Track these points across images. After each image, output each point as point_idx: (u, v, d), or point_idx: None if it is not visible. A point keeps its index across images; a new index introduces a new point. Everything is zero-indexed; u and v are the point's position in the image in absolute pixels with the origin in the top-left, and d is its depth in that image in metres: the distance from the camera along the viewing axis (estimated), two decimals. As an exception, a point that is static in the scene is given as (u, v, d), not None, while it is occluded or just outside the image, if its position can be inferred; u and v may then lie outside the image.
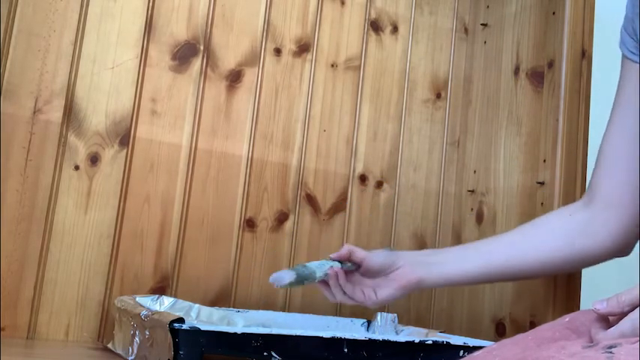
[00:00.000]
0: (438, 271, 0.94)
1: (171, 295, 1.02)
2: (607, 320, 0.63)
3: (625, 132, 0.90)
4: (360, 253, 0.92)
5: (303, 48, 1.19)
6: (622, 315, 0.61)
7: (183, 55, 1.09)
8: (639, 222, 0.91)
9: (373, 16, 1.26)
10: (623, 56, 0.90)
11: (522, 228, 0.97)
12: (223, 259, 1.10)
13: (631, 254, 0.94)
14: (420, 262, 0.94)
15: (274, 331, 0.80)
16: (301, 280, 0.89)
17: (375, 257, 0.93)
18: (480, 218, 1.21)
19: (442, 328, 1.21)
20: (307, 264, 0.91)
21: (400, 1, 1.29)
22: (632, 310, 0.61)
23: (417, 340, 0.86)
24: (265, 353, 0.77)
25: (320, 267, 0.90)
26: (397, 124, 1.26)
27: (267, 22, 1.17)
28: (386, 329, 1.09)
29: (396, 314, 1.10)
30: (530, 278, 1.02)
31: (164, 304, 0.96)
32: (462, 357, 0.86)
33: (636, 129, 0.89)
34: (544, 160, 1.07)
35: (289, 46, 1.18)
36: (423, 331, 1.04)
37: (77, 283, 0.99)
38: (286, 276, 0.89)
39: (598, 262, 0.95)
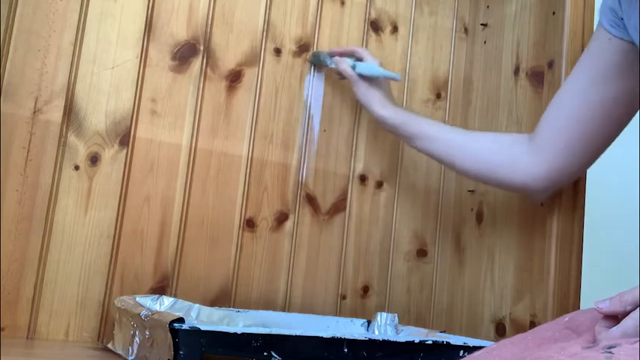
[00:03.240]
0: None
1: (171, 295, 1.02)
2: (613, 319, 0.63)
3: (575, 90, 0.95)
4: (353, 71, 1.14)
5: (303, 48, 1.19)
6: (625, 314, 0.61)
7: (183, 55, 1.10)
8: (561, 179, 0.98)
9: (373, 16, 1.26)
10: (600, 22, 0.93)
11: (471, 136, 1.09)
12: (223, 259, 1.10)
13: (632, 254, 0.94)
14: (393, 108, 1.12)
15: (274, 331, 0.80)
16: (315, 61, 1.19)
17: (362, 87, 1.12)
18: (479, 218, 1.21)
19: (442, 328, 1.21)
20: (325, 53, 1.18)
21: (400, 1, 1.29)
22: (635, 309, 0.61)
23: (417, 340, 0.86)
24: (265, 353, 0.77)
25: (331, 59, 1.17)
26: (397, 124, 1.26)
27: (267, 22, 1.17)
28: (386, 329, 1.09)
29: (396, 314, 1.10)
30: (460, 173, 1.13)
31: (164, 304, 0.96)
32: (461, 357, 0.86)
33: (585, 92, 0.93)
34: (544, 160, 1.07)
35: (289, 46, 1.18)
36: (423, 331, 1.05)
37: (77, 283, 0.99)
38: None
39: (510, 190, 1.09)
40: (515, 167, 1.00)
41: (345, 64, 1.14)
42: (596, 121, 0.93)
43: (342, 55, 1.16)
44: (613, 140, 0.97)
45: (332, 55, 1.17)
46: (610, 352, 0.51)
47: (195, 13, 1.11)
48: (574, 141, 0.95)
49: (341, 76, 1.18)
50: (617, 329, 0.60)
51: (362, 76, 1.13)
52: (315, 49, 1.20)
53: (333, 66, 1.16)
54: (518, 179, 1.00)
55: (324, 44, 1.21)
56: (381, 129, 1.24)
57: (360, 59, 1.15)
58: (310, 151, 1.18)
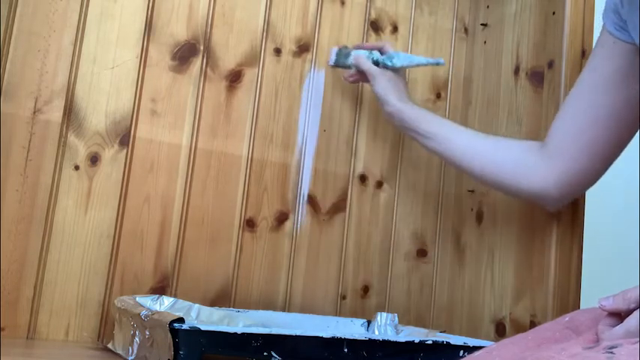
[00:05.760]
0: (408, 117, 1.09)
1: (171, 295, 1.02)
2: (615, 317, 0.62)
3: (585, 96, 0.93)
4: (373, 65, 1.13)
5: (303, 48, 1.19)
6: (628, 312, 0.61)
7: (183, 55, 1.09)
8: (574, 188, 0.97)
9: (373, 16, 1.26)
10: (604, 25, 0.91)
11: (485, 141, 1.05)
12: (223, 259, 1.10)
13: (632, 254, 0.94)
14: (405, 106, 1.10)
15: (274, 331, 0.80)
16: (338, 64, 1.17)
17: (382, 81, 1.11)
18: (479, 218, 1.21)
19: (442, 328, 1.21)
20: (350, 51, 1.17)
21: (400, 1, 1.29)
22: (638, 307, 0.61)
23: (417, 340, 0.86)
24: (265, 353, 0.77)
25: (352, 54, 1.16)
26: (397, 124, 1.26)
27: (267, 22, 1.17)
28: (386, 329, 1.09)
29: (396, 314, 1.10)
30: (469, 175, 1.10)
31: (164, 304, 0.96)
32: (461, 357, 0.86)
33: (595, 97, 0.91)
34: (544, 160, 1.07)
35: (289, 46, 1.18)
36: (423, 331, 1.05)
37: (77, 283, 0.99)
38: (331, 57, 1.18)
39: (522, 199, 1.07)
40: (527, 174, 0.98)
41: (363, 59, 1.13)
42: (608, 126, 0.91)
43: (367, 47, 1.16)
44: (625, 145, 0.95)
45: (358, 48, 1.16)
46: (611, 353, 0.51)
47: (195, 13, 1.11)
48: (586, 147, 0.93)
49: (353, 78, 1.16)
50: (620, 328, 0.60)
51: (385, 69, 1.12)
52: (341, 47, 1.18)
53: (351, 62, 1.15)
54: (528, 187, 0.98)
55: (324, 44, 1.21)
56: (382, 128, 1.24)
57: (382, 51, 1.14)
58: (310, 151, 1.18)
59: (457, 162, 1.06)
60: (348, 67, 1.16)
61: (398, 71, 1.13)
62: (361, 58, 1.13)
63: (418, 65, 1.15)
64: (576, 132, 0.93)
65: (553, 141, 0.96)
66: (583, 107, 0.93)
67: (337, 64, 1.17)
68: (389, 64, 1.12)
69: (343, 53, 1.17)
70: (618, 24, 0.88)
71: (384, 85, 1.10)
